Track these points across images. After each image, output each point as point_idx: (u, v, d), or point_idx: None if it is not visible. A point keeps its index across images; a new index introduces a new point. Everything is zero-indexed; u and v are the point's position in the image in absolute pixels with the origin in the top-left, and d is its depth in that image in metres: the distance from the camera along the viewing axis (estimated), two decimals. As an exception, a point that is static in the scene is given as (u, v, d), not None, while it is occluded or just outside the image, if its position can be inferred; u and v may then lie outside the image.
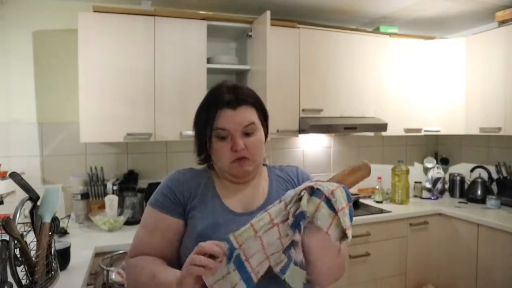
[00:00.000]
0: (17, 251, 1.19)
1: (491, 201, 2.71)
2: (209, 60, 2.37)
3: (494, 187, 2.90)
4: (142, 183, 2.49)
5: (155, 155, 2.59)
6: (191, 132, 2.27)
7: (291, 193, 0.83)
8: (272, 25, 2.25)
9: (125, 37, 2.15)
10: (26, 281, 1.23)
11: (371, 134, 3.00)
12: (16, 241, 1.17)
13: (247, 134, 0.99)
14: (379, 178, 3.04)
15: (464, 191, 3.05)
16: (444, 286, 2.74)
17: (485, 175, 2.94)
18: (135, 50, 2.18)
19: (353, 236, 2.43)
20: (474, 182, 2.94)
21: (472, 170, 3.01)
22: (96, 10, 2.12)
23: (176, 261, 0.98)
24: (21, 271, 1.20)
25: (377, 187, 3.00)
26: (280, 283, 0.83)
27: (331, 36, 2.66)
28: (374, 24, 2.99)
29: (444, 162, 3.32)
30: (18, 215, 1.23)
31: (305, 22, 2.65)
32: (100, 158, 2.46)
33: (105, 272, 1.73)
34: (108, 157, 2.49)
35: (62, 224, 1.97)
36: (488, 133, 2.67)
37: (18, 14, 2.30)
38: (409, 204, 2.91)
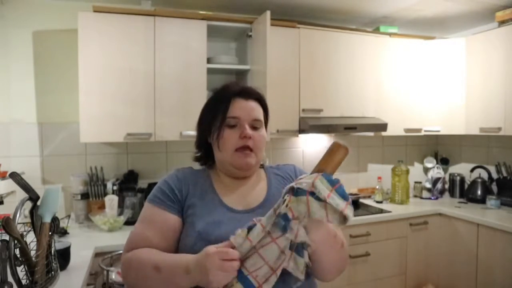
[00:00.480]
0: (17, 251, 1.19)
1: (491, 201, 2.71)
2: (209, 60, 2.37)
3: (494, 187, 2.90)
4: (142, 183, 2.49)
5: (155, 155, 2.59)
6: (191, 132, 2.30)
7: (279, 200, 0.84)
8: (272, 25, 2.25)
9: (125, 37, 2.15)
10: (26, 281, 1.22)
11: (371, 134, 3.00)
12: (16, 241, 1.16)
13: (253, 128, 1.02)
14: (379, 178, 3.04)
15: (464, 191, 3.05)
16: (444, 286, 2.74)
17: (485, 175, 2.94)
18: (135, 50, 2.18)
19: (353, 236, 2.45)
20: (474, 182, 2.94)
21: (472, 170, 3.01)
22: (96, 10, 2.12)
23: None
24: (21, 271, 1.20)
25: (377, 187, 3.00)
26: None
27: (331, 36, 2.66)
28: (374, 24, 2.99)
29: (444, 162, 3.32)
30: (18, 215, 1.23)
31: (305, 22, 2.65)
32: (100, 158, 2.46)
33: (105, 272, 1.73)
34: (108, 157, 2.49)
35: (62, 224, 1.97)
36: (488, 133, 2.67)
37: (18, 14, 2.30)
38: (409, 204, 2.91)
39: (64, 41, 2.34)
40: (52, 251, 1.34)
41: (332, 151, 0.88)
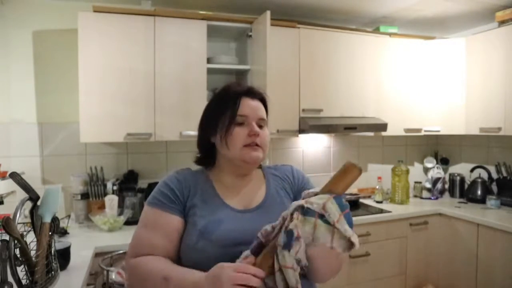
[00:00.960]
0: (17, 251, 1.19)
1: (491, 201, 2.71)
2: (209, 60, 2.37)
3: (494, 187, 2.90)
4: (142, 183, 2.49)
5: (155, 155, 2.59)
6: (191, 132, 2.30)
7: (285, 212, 0.83)
8: (272, 25, 2.25)
9: (125, 37, 2.15)
10: (26, 281, 1.22)
11: (371, 134, 3.00)
12: (16, 241, 1.16)
13: (259, 127, 1.04)
14: (379, 178, 3.04)
15: (464, 191, 3.05)
16: (444, 286, 2.74)
17: (485, 175, 2.94)
18: (135, 50, 2.18)
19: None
20: (474, 182, 2.94)
21: (472, 170, 3.01)
22: (96, 10, 2.12)
23: (176, 260, 0.98)
24: (21, 271, 1.20)
25: (377, 187, 3.00)
26: None
27: (331, 36, 2.66)
28: (374, 24, 2.99)
29: (444, 162, 3.32)
30: (18, 215, 1.23)
31: (305, 22, 2.65)
32: (100, 158, 2.46)
33: (105, 272, 1.73)
34: (108, 157, 2.49)
35: (62, 224, 1.97)
36: (488, 133, 2.67)
37: (18, 14, 2.30)
38: (409, 204, 2.91)
39: (64, 41, 2.34)
40: (52, 251, 1.34)
41: (345, 171, 0.83)
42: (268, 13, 2.21)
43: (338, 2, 2.55)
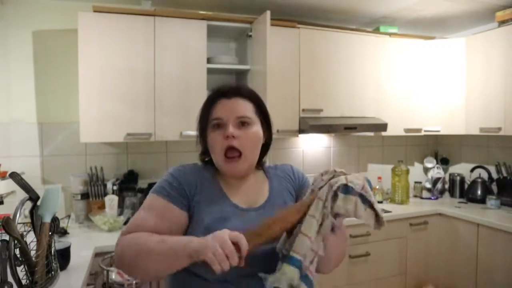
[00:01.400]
0: (17, 251, 1.19)
1: (491, 201, 2.71)
2: (209, 60, 2.37)
3: (494, 187, 2.90)
4: (142, 183, 2.49)
5: (155, 155, 2.59)
6: (191, 132, 2.30)
7: (324, 189, 0.86)
8: (272, 25, 2.25)
9: (125, 37, 2.15)
10: (26, 281, 1.22)
11: (371, 134, 3.00)
12: (16, 241, 1.17)
13: (242, 125, 1.00)
14: (379, 178, 3.05)
15: (464, 191, 3.05)
16: (444, 286, 2.74)
17: (485, 175, 2.93)
18: (135, 50, 2.18)
19: (353, 236, 2.45)
20: (474, 182, 2.94)
21: (472, 170, 3.01)
22: (96, 10, 2.12)
23: None
24: (21, 271, 1.20)
25: (377, 187, 3.00)
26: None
27: (331, 36, 2.66)
28: (374, 24, 2.99)
29: (444, 162, 3.32)
30: (18, 215, 1.23)
31: (305, 22, 2.65)
32: (100, 158, 2.46)
33: (105, 272, 1.73)
34: (108, 157, 2.49)
35: (62, 224, 1.97)
36: (488, 133, 2.67)
37: (18, 14, 2.30)
38: (409, 204, 2.91)
39: (64, 41, 2.34)
40: (52, 251, 1.34)
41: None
42: (268, 13, 2.21)
43: (338, 2, 2.55)
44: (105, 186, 2.34)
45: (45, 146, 2.37)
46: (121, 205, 2.31)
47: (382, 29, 2.86)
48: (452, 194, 3.17)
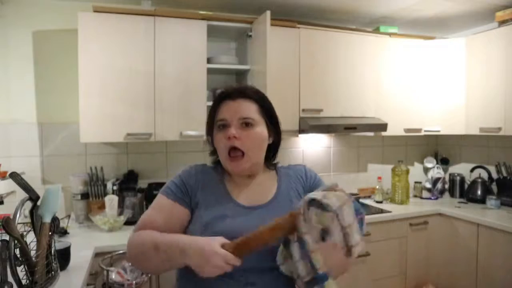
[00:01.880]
0: (17, 251, 1.19)
1: (491, 201, 2.71)
2: (209, 60, 2.37)
3: (494, 187, 2.90)
4: (142, 183, 2.49)
5: (155, 155, 2.59)
6: (191, 132, 2.30)
7: (301, 203, 0.86)
8: (272, 25, 2.25)
9: (125, 37, 2.15)
10: (26, 281, 1.22)
11: (371, 134, 3.00)
12: (16, 241, 1.17)
13: (246, 126, 1.03)
14: (379, 178, 3.05)
15: (464, 191, 3.05)
16: (444, 286, 2.74)
17: (485, 175, 2.93)
18: (135, 50, 2.18)
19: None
20: (474, 182, 2.94)
21: (472, 170, 3.01)
22: (96, 10, 2.12)
23: None
24: (21, 271, 1.20)
25: (377, 187, 3.00)
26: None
27: (331, 36, 2.66)
28: (374, 24, 2.99)
29: (444, 162, 3.32)
30: (18, 215, 1.23)
31: (305, 22, 2.65)
32: (100, 158, 2.46)
33: (105, 272, 1.73)
34: (108, 157, 2.49)
35: (62, 224, 1.97)
36: (488, 133, 2.67)
37: (18, 14, 2.30)
38: (409, 204, 2.91)
39: (64, 41, 2.34)
40: (52, 251, 1.34)
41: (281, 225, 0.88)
42: (268, 13, 2.21)
43: (338, 2, 2.55)
44: (105, 186, 2.34)
45: (45, 146, 2.37)
46: (121, 205, 2.31)
47: (382, 29, 2.86)
48: (452, 194, 3.17)
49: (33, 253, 1.26)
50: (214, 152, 1.12)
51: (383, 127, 2.73)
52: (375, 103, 2.81)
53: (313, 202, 0.82)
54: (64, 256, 1.54)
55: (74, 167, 2.40)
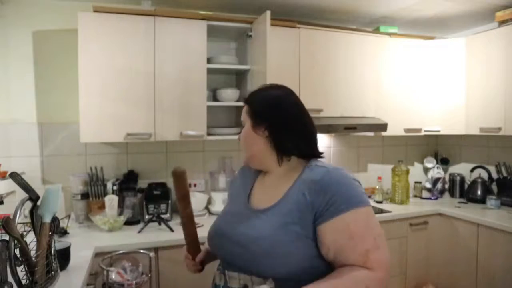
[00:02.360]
0: (17, 251, 1.19)
1: (491, 201, 2.71)
2: (209, 60, 2.37)
3: (494, 187, 2.90)
4: (142, 183, 2.49)
5: (155, 155, 2.59)
6: (191, 132, 2.30)
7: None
8: (272, 25, 2.25)
9: (125, 37, 2.15)
10: (26, 281, 1.22)
11: (371, 134, 3.00)
12: (16, 241, 1.16)
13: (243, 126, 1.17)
14: (379, 178, 3.04)
15: (464, 191, 3.05)
16: (444, 286, 2.74)
17: (485, 175, 2.93)
18: (135, 50, 2.18)
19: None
20: (474, 182, 2.94)
21: (472, 170, 3.01)
22: (96, 10, 2.12)
23: None
24: (21, 271, 1.20)
25: (377, 187, 3.00)
26: None
27: (331, 36, 2.66)
28: (374, 24, 2.99)
29: (444, 162, 3.32)
30: (18, 215, 1.23)
31: (305, 22, 2.65)
32: (100, 158, 2.46)
33: (105, 272, 1.73)
34: (108, 157, 2.49)
35: (62, 224, 1.97)
36: (488, 133, 2.67)
37: (18, 14, 2.30)
38: (409, 204, 2.91)
39: (64, 41, 2.34)
40: (52, 251, 1.34)
41: (177, 179, 1.12)
42: (268, 13, 2.21)
43: (338, 2, 2.55)
44: (105, 186, 2.34)
45: (45, 146, 2.37)
46: (121, 205, 2.31)
47: (382, 29, 2.86)
48: (452, 194, 3.17)
49: (33, 253, 1.26)
50: None
51: (383, 127, 2.73)
52: (375, 103, 2.81)
53: None
54: (64, 256, 1.54)
55: (74, 167, 2.40)
